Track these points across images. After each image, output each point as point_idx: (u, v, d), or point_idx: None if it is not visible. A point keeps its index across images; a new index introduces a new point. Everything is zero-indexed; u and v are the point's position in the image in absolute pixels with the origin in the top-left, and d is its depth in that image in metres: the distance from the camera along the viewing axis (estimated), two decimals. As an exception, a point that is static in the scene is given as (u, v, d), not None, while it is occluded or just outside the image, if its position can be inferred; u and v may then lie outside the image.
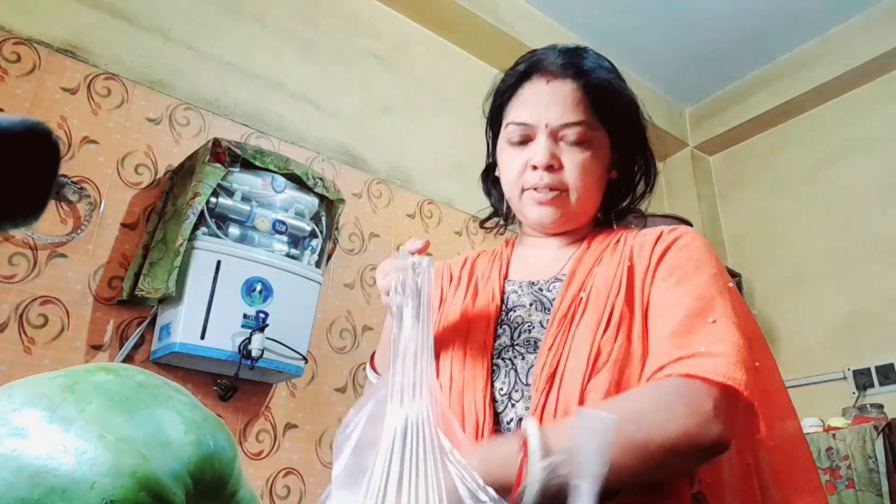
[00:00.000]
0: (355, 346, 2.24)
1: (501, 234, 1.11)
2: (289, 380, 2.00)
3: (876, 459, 2.36)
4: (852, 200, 3.25)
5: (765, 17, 3.22)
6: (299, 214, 1.97)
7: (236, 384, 1.84)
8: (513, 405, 0.82)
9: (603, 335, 0.80)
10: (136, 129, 1.95)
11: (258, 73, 2.29)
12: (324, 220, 2.04)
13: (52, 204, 1.74)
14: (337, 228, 2.10)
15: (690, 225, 1.03)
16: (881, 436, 2.39)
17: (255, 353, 1.70)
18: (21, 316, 1.63)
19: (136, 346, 1.78)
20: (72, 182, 1.77)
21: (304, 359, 1.87)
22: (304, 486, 1.96)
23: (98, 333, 1.73)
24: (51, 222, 1.73)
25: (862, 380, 2.97)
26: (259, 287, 1.79)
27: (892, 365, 2.91)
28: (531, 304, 0.91)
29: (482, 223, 1.11)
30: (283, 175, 1.93)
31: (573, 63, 0.94)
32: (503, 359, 0.86)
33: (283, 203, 1.94)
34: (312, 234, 1.99)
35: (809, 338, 3.21)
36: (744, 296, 3.37)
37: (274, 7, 2.42)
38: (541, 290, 0.92)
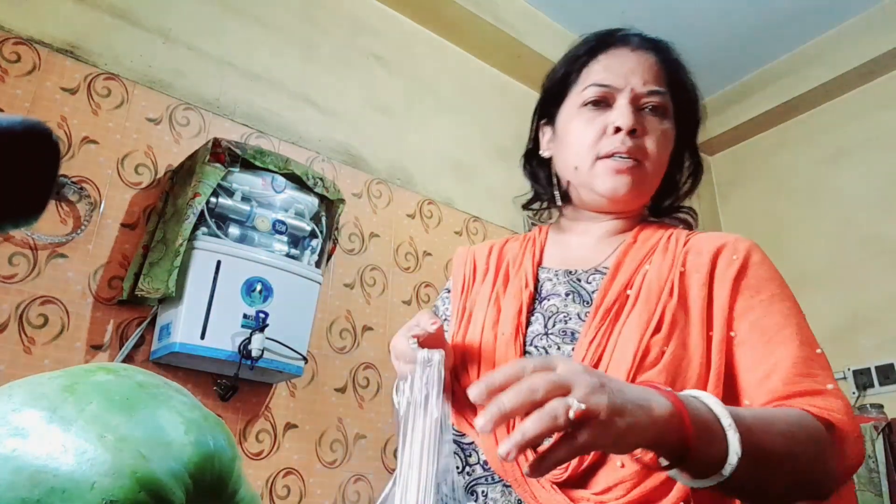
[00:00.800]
0: (355, 346, 2.24)
1: (549, 218, 1.06)
2: (289, 380, 2.00)
3: (876, 459, 2.36)
4: (852, 200, 3.25)
5: (765, 17, 3.22)
6: (299, 214, 1.97)
7: (236, 384, 1.84)
8: None
9: (653, 335, 0.77)
10: (136, 129, 1.95)
11: (258, 73, 2.29)
12: (324, 220, 2.04)
13: (52, 204, 1.74)
14: (337, 228, 2.10)
15: (696, 215, 1.02)
16: (881, 436, 2.39)
17: (255, 353, 1.70)
18: (21, 316, 1.63)
19: (136, 346, 1.78)
20: (72, 182, 1.77)
21: (304, 359, 1.87)
22: (304, 486, 1.96)
23: (98, 333, 1.73)
24: (51, 222, 1.73)
25: (862, 380, 2.97)
26: (259, 287, 1.79)
27: (892, 365, 2.91)
28: (567, 294, 0.87)
29: (526, 205, 1.06)
30: (283, 175, 1.93)
31: (653, 40, 0.95)
32: (536, 347, 0.83)
33: (283, 203, 1.94)
34: (312, 234, 1.99)
35: (809, 338, 3.21)
36: (744, 296, 3.38)
37: (274, 7, 2.42)
38: (579, 280, 0.88)
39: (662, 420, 0.57)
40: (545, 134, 1.02)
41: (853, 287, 3.12)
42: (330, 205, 2.06)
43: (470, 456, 0.82)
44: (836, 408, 0.71)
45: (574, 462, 0.71)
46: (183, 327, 1.67)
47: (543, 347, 0.83)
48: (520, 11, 3.09)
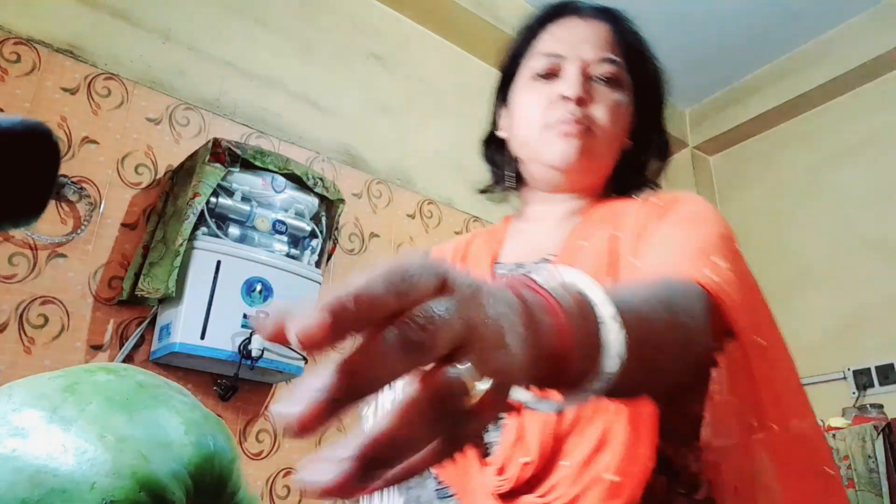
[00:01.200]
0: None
1: (505, 201, 1.01)
2: (289, 380, 2.00)
3: (876, 459, 2.36)
4: (852, 201, 3.25)
5: (765, 17, 3.22)
6: (299, 214, 1.97)
7: (236, 384, 1.84)
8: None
9: None
10: (136, 129, 1.95)
11: (258, 73, 2.29)
12: (324, 220, 2.04)
13: (52, 204, 1.74)
14: (337, 228, 2.10)
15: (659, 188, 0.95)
16: (881, 436, 2.39)
17: (255, 354, 1.70)
18: (21, 316, 1.63)
19: (136, 346, 1.78)
20: (72, 182, 1.77)
21: (305, 359, 1.87)
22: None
23: (98, 333, 1.73)
24: (51, 222, 1.73)
25: (862, 380, 2.97)
26: (259, 287, 1.79)
27: (892, 365, 2.91)
28: None
29: (483, 190, 1.02)
30: (283, 175, 1.93)
31: (607, 10, 0.89)
32: None
33: (283, 203, 1.94)
34: (312, 234, 1.99)
35: (809, 338, 3.21)
36: (744, 296, 3.37)
37: (274, 7, 2.42)
38: (528, 273, 0.80)
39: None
40: (501, 115, 0.97)
41: (853, 287, 3.12)
42: (330, 205, 2.06)
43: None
44: (719, 282, 0.60)
45: (515, 474, 0.66)
46: (183, 327, 1.67)
47: None
48: (520, 11, 3.08)
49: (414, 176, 2.64)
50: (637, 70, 0.88)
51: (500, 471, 0.69)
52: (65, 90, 1.85)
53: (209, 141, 1.83)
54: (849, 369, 3.03)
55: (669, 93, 0.93)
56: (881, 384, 2.92)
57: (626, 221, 0.78)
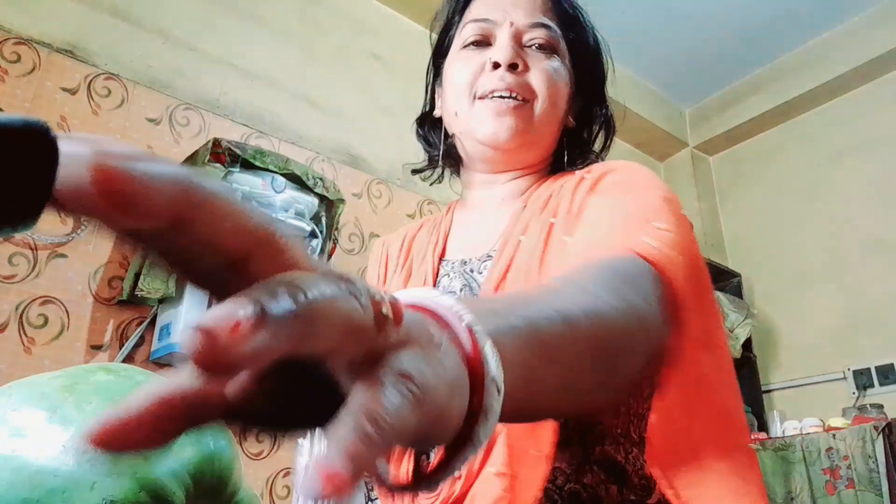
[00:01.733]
0: (355, 346, 2.24)
1: (439, 182, 0.95)
2: (289, 380, 2.00)
3: (876, 459, 2.36)
4: (852, 200, 3.25)
5: (765, 17, 3.22)
6: (299, 214, 1.97)
7: (236, 384, 1.83)
8: None
9: None
10: (136, 129, 1.95)
11: (258, 73, 2.29)
12: (324, 220, 2.04)
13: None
14: (337, 228, 2.10)
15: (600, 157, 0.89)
16: (881, 436, 2.39)
17: (255, 353, 1.70)
18: (21, 316, 1.63)
19: (136, 346, 1.78)
20: (72, 182, 1.77)
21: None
22: (304, 486, 1.96)
23: (98, 333, 1.73)
24: (51, 222, 1.73)
25: (862, 380, 2.97)
26: (259, 287, 1.79)
27: (892, 365, 2.91)
28: (461, 290, 0.75)
29: (416, 171, 0.95)
30: (283, 175, 1.93)
31: None
32: None
33: (283, 203, 1.94)
34: (312, 234, 1.99)
35: (809, 338, 3.21)
36: (743, 296, 3.38)
37: (274, 7, 2.42)
38: (472, 271, 0.76)
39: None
40: (438, 93, 0.91)
41: (853, 287, 3.12)
42: (330, 205, 2.06)
43: (372, 490, 0.74)
44: (646, 247, 0.54)
45: (445, 490, 0.61)
46: (183, 327, 1.67)
47: None
48: (520, 11, 3.09)
49: (414, 176, 2.64)
50: (574, 37, 0.82)
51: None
52: (65, 90, 1.85)
53: (209, 141, 1.83)
54: (849, 369, 3.03)
55: (608, 61, 0.87)
56: (881, 384, 2.92)
57: (561, 204, 0.72)
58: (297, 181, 1.96)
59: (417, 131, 0.95)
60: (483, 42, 0.79)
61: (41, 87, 1.81)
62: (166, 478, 0.43)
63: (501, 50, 0.76)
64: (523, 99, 0.76)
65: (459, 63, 0.80)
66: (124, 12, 2.04)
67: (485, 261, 0.75)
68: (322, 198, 2.02)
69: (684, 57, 3.51)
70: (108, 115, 1.90)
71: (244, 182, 1.88)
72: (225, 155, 1.82)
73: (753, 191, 3.71)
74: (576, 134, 0.85)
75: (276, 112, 2.30)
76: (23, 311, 1.64)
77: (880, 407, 2.66)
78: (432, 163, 0.93)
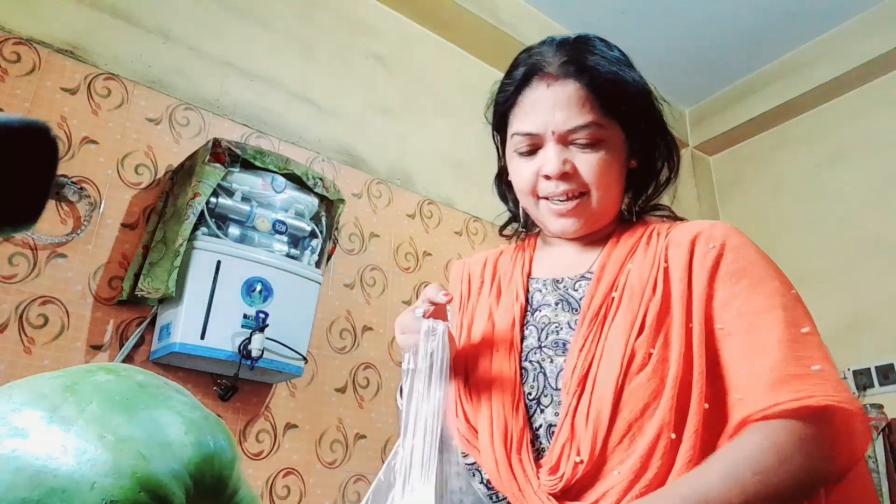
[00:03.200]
0: (355, 346, 2.24)
1: (522, 239, 1.05)
2: (289, 380, 2.00)
3: (876, 459, 2.36)
4: (852, 200, 3.25)
5: (765, 17, 3.22)
6: (299, 214, 1.97)
7: (236, 384, 1.84)
8: (542, 410, 0.79)
9: (637, 337, 0.75)
10: (136, 129, 1.95)
11: (258, 73, 2.29)
12: (324, 220, 2.04)
13: (52, 204, 1.74)
14: (337, 228, 2.10)
15: (673, 212, 0.99)
16: (881, 436, 2.39)
17: (255, 354, 1.70)
18: (21, 316, 1.63)
19: (136, 346, 1.78)
20: (72, 182, 1.77)
21: (304, 359, 1.87)
22: (304, 486, 1.96)
23: (98, 333, 1.73)
24: (51, 222, 1.73)
25: (862, 380, 2.97)
26: (259, 287, 1.79)
27: (892, 365, 2.91)
28: (557, 304, 0.87)
29: (501, 231, 1.06)
30: (283, 175, 1.93)
31: (574, 60, 0.86)
32: (531, 361, 0.83)
33: (283, 203, 1.94)
34: (312, 235, 1.99)
35: (809, 338, 3.21)
36: (744, 296, 3.37)
37: (274, 7, 2.42)
38: (566, 288, 0.88)
39: None
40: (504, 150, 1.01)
41: (853, 287, 3.12)
42: (330, 205, 2.06)
43: (473, 476, 0.82)
44: (824, 391, 0.67)
45: (568, 473, 0.72)
46: (183, 327, 1.67)
47: (538, 361, 0.83)
48: (520, 11, 3.09)
49: (414, 176, 2.64)
50: (617, 107, 0.87)
51: (553, 470, 0.73)
52: (65, 90, 1.85)
53: (209, 141, 1.83)
54: (849, 369, 3.02)
55: (658, 99, 0.94)
56: (881, 384, 2.92)
57: (673, 252, 0.82)
58: (297, 181, 1.96)
59: (496, 187, 1.06)
60: (532, 151, 0.88)
61: (41, 87, 1.81)
62: (166, 478, 0.43)
63: (549, 164, 0.85)
64: (579, 194, 0.86)
65: (517, 169, 0.90)
66: (124, 12, 2.04)
67: (579, 280, 0.87)
68: (322, 198, 2.02)
69: (684, 57, 3.51)
70: (108, 115, 1.90)
71: (244, 182, 1.88)
72: (225, 155, 1.81)
73: (753, 191, 3.71)
74: (640, 173, 0.93)
75: (276, 112, 2.30)
76: (23, 311, 1.64)
77: (880, 407, 2.66)
78: (515, 221, 1.04)
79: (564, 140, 0.86)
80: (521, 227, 1.02)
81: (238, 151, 1.84)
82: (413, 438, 0.68)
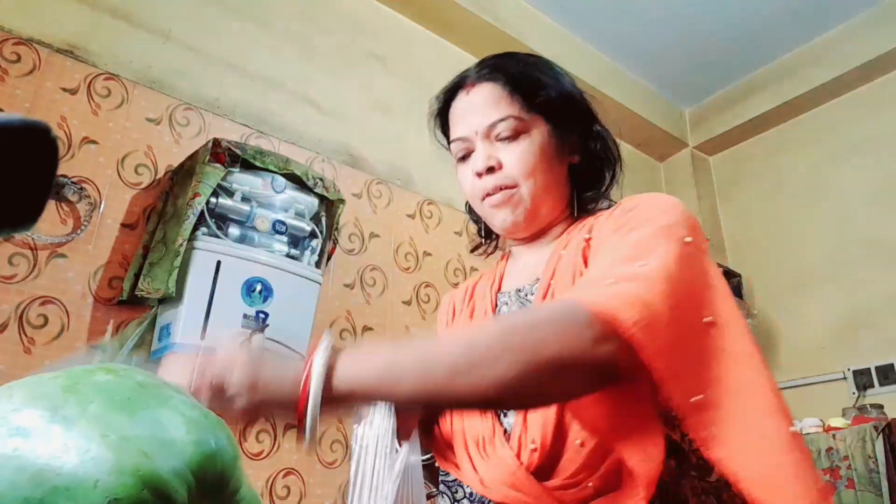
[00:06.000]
0: (355, 347, 2.24)
1: (492, 254, 1.09)
2: (289, 380, 2.00)
3: (876, 460, 2.36)
4: (852, 201, 3.25)
5: (765, 17, 3.22)
6: (299, 215, 1.97)
7: (236, 384, 1.83)
8: (504, 414, 0.81)
9: None
10: (136, 129, 1.95)
11: (258, 73, 2.29)
12: (324, 220, 2.04)
13: (52, 204, 1.74)
14: (337, 228, 2.10)
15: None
16: (881, 436, 2.39)
17: (255, 353, 1.70)
18: (21, 316, 1.63)
19: (136, 346, 1.78)
20: (72, 182, 1.77)
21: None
22: (304, 486, 1.96)
23: (98, 333, 1.73)
24: (51, 222, 1.73)
25: (862, 380, 2.97)
26: (259, 287, 1.79)
27: (892, 365, 2.91)
28: None
29: (472, 250, 1.09)
30: (283, 175, 1.93)
31: (488, 65, 0.94)
32: None
33: (283, 203, 1.94)
34: (312, 235, 1.99)
35: (809, 338, 3.22)
36: (744, 296, 3.38)
37: (274, 7, 2.42)
38: (525, 294, 0.90)
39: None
40: None
41: (853, 287, 3.12)
42: (330, 205, 2.06)
43: (456, 492, 0.85)
44: (594, 294, 0.65)
45: (526, 459, 0.75)
46: (183, 327, 1.67)
47: None
48: (520, 11, 3.09)
49: (414, 176, 2.64)
50: (533, 99, 0.90)
51: (517, 455, 0.76)
52: (65, 90, 1.85)
53: (209, 141, 1.83)
54: (849, 369, 3.03)
55: (582, 98, 0.96)
56: (881, 384, 2.92)
57: (597, 227, 0.85)
58: (297, 181, 1.96)
59: (468, 214, 1.09)
60: (467, 156, 0.93)
61: (41, 87, 1.81)
62: (169, 475, 0.43)
63: (475, 160, 0.90)
64: (510, 186, 0.89)
65: (461, 176, 0.96)
66: (124, 12, 2.04)
67: (534, 284, 0.89)
68: (322, 198, 2.02)
69: (684, 57, 3.51)
70: (108, 115, 1.90)
71: (244, 182, 1.88)
72: (225, 155, 1.82)
73: (753, 191, 3.71)
74: (583, 168, 0.95)
75: (276, 112, 2.30)
76: (23, 311, 1.64)
77: (880, 407, 2.67)
78: (482, 237, 1.08)
79: (488, 136, 0.90)
80: (484, 241, 1.06)
81: (238, 151, 1.84)
82: (366, 440, 0.71)
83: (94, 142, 1.86)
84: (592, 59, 3.40)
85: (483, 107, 0.91)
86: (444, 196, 2.71)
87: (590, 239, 0.83)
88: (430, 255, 2.57)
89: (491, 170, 0.89)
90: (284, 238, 1.91)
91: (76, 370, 0.51)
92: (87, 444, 0.42)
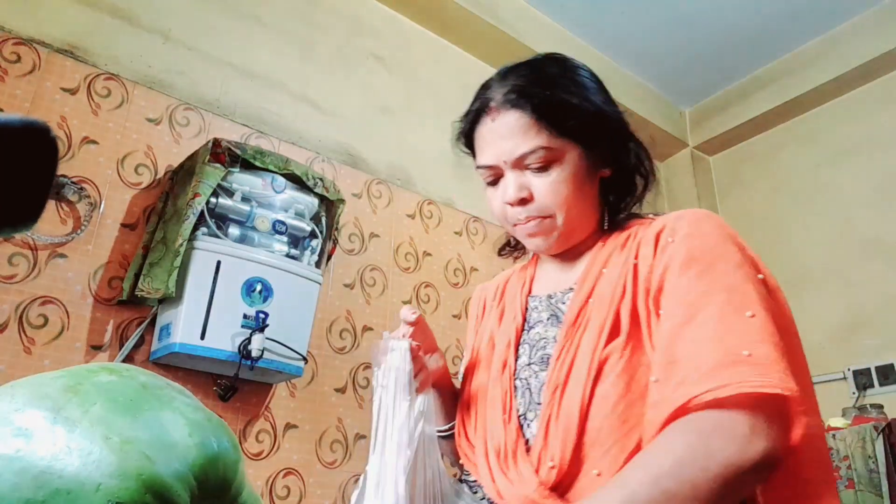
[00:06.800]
0: (355, 347, 2.24)
1: (517, 258, 1.08)
2: (289, 380, 2.00)
3: (876, 460, 2.36)
4: (852, 201, 3.25)
5: (765, 17, 3.22)
6: (299, 215, 1.97)
7: (236, 384, 1.83)
8: (528, 425, 0.81)
9: (607, 343, 0.76)
10: (136, 130, 1.94)
11: (258, 73, 2.29)
12: (324, 220, 2.04)
13: (52, 204, 1.74)
14: (337, 228, 2.10)
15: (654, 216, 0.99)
16: (881, 436, 2.39)
17: (255, 354, 1.70)
18: (21, 316, 1.63)
19: (136, 347, 1.77)
20: (72, 182, 1.77)
21: (304, 359, 1.87)
22: (304, 486, 1.96)
23: (98, 333, 1.73)
24: (51, 222, 1.73)
25: (862, 380, 2.97)
26: (259, 287, 1.79)
27: (892, 365, 2.91)
28: (548, 319, 0.89)
29: (499, 252, 1.09)
30: (283, 175, 1.93)
31: (515, 90, 0.88)
32: (521, 378, 0.86)
33: (283, 203, 1.94)
34: (312, 235, 1.99)
35: (809, 338, 3.20)
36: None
37: (274, 7, 2.42)
38: (557, 302, 0.90)
39: None
40: None
41: (853, 287, 3.12)
42: (330, 205, 2.05)
43: (476, 493, 0.85)
44: (742, 378, 0.64)
45: (543, 476, 0.75)
46: (183, 327, 1.66)
47: (526, 378, 0.86)
48: (520, 11, 3.09)
49: (414, 176, 2.64)
50: (563, 125, 0.87)
51: (536, 471, 0.76)
52: (65, 90, 1.85)
53: (209, 141, 1.82)
54: (849, 369, 3.03)
55: (614, 113, 0.94)
56: (881, 384, 2.92)
57: (642, 250, 0.83)
58: (297, 181, 1.96)
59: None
60: (496, 181, 0.92)
61: (41, 87, 1.81)
62: (171, 479, 0.43)
63: (507, 192, 0.88)
64: (543, 217, 0.88)
65: (490, 199, 0.94)
66: (124, 12, 2.03)
67: (567, 293, 0.90)
68: (322, 198, 2.02)
69: (684, 57, 3.51)
70: (108, 115, 1.90)
71: (244, 182, 1.87)
72: (225, 155, 1.81)
73: (753, 191, 3.71)
74: (615, 179, 0.94)
75: (276, 112, 2.29)
76: (23, 311, 1.64)
77: (880, 407, 2.66)
78: (511, 245, 1.07)
79: (519, 166, 0.88)
80: (513, 247, 1.06)
81: (238, 151, 1.84)
82: (384, 446, 0.72)
83: (94, 142, 1.85)
84: (592, 59, 3.40)
85: (510, 136, 0.87)
86: (444, 196, 2.71)
87: (637, 265, 0.82)
88: (430, 255, 2.56)
89: (523, 201, 0.87)
90: (284, 238, 1.91)
91: (79, 370, 0.51)
92: (89, 447, 0.41)
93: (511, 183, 0.88)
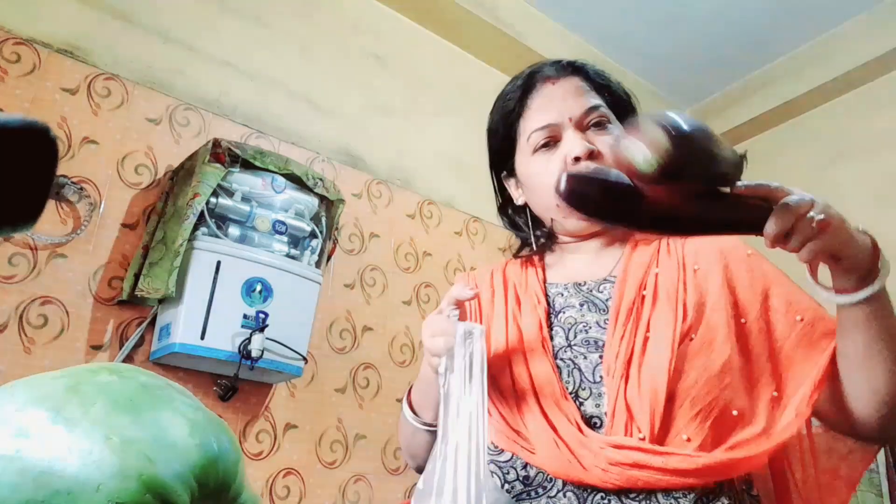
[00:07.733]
0: (355, 347, 2.24)
1: (541, 259, 1.07)
2: (289, 380, 2.00)
3: (876, 460, 2.36)
4: (852, 201, 3.25)
5: (765, 17, 3.22)
6: (299, 215, 1.97)
7: (236, 384, 1.83)
8: (581, 404, 0.81)
9: (683, 322, 0.81)
10: (136, 130, 1.94)
11: (258, 73, 2.29)
12: (324, 220, 2.04)
13: (52, 204, 1.74)
14: (337, 228, 2.10)
15: None
16: (881, 436, 2.38)
17: (255, 354, 1.70)
18: (21, 316, 1.63)
19: (136, 347, 1.78)
20: (72, 182, 1.77)
21: (304, 359, 1.87)
22: (304, 486, 1.96)
23: (98, 334, 1.73)
24: (51, 222, 1.73)
25: (861, 380, 2.97)
26: (259, 287, 1.79)
27: (891, 365, 2.91)
28: (582, 305, 0.90)
29: (516, 255, 1.07)
30: (283, 175, 1.93)
31: (568, 64, 0.99)
32: (562, 359, 0.86)
33: (283, 203, 1.94)
34: (312, 235, 1.99)
35: (809, 338, 3.21)
36: (743, 296, 3.37)
37: (274, 7, 2.42)
38: (590, 290, 0.92)
39: (864, 238, 0.82)
40: (511, 185, 1.06)
41: (853, 287, 3.12)
42: (330, 205, 2.06)
43: (508, 473, 0.84)
44: None
45: (633, 444, 0.76)
46: (183, 327, 1.66)
47: (570, 359, 0.86)
48: (520, 11, 3.09)
49: (414, 176, 2.64)
50: (612, 100, 0.97)
51: (618, 447, 0.75)
52: (65, 90, 1.85)
53: (209, 141, 1.82)
54: (848, 369, 3.02)
55: (637, 103, 1.03)
56: (881, 384, 2.92)
57: (705, 259, 0.89)
58: (297, 181, 1.96)
59: (502, 218, 1.10)
60: (551, 143, 0.92)
61: (41, 87, 1.81)
62: (172, 480, 0.43)
63: (575, 145, 0.89)
64: None
65: (540, 167, 0.93)
66: (124, 12, 2.03)
67: (602, 283, 0.91)
68: (322, 198, 2.02)
69: (684, 57, 3.51)
70: (108, 115, 1.90)
71: (244, 182, 1.87)
72: (225, 155, 1.81)
73: (753, 191, 3.71)
74: None
75: (276, 112, 2.29)
76: (23, 311, 1.64)
77: (880, 407, 2.66)
78: (527, 244, 1.06)
79: (581, 125, 0.92)
80: (536, 246, 1.04)
81: (238, 151, 1.84)
82: (457, 435, 0.68)
83: (94, 142, 1.85)
84: (592, 59, 3.36)
85: (575, 95, 0.93)
86: (444, 196, 2.71)
87: (697, 271, 0.88)
88: (430, 255, 2.56)
89: (591, 155, 0.89)
90: (284, 238, 1.91)
91: (79, 370, 0.51)
92: (89, 447, 0.41)
93: (576, 139, 0.90)
